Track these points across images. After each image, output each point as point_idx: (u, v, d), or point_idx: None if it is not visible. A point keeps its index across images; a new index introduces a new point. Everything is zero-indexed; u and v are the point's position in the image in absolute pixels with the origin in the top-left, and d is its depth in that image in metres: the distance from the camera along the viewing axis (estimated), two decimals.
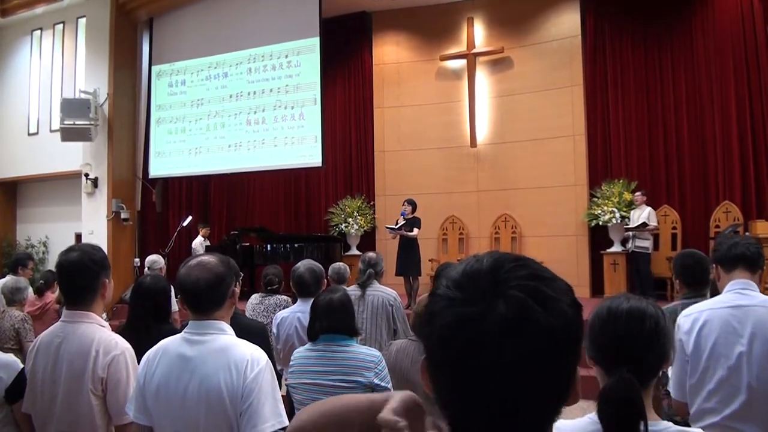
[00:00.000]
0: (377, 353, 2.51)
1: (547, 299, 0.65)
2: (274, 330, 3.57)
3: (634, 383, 1.12)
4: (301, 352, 2.58)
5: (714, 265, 2.29)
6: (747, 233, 6.63)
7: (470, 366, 0.64)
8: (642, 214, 7.61)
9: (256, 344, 1.82)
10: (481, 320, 0.63)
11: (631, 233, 7.70)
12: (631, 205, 7.98)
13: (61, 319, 2.14)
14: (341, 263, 4.30)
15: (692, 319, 2.15)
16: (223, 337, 1.79)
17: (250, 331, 2.72)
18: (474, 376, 0.64)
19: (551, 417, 0.68)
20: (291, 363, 2.58)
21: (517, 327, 0.63)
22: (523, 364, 0.63)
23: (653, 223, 7.60)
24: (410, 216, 7.56)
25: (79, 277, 2.09)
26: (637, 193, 7.83)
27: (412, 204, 7.63)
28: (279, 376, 3.81)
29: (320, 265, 3.69)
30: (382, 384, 2.42)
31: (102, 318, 2.17)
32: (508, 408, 0.64)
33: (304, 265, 3.58)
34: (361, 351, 2.50)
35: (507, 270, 0.66)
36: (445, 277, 0.70)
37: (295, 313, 3.49)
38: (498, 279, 0.66)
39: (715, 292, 2.30)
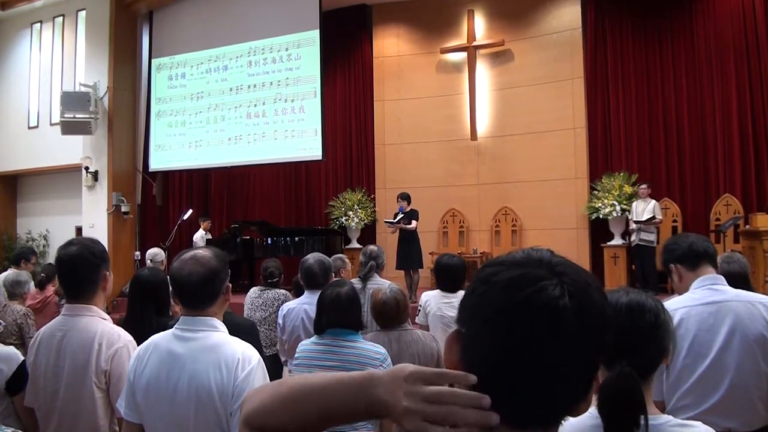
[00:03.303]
0: (383, 350, 2.48)
1: (596, 291, 0.71)
2: (280, 321, 3.56)
3: (635, 377, 1.12)
4: (307, 345, 2.56)
5: (673, 266, 2.20)
6: (747, 226, 6.63)
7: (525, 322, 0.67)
8: (648, 207, 7.51)
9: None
10: (548, 281, 0.68)
11: (635, 226, 7.55)
12: (631, 198, 7.96)
13: (62, 312, 2.14)
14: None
15: None
16: (215, 334, 1.74)
17: (240, 329, 2.71)
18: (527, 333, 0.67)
19: (569, 406, 0.70)
20: (296, 355, 2.57)
21: (577, 300, 0.67)
22: (576, 336, 0.66)
23: (659, 216, 7.52)
24: (407, 209, 7.55)
25: (79, 271, 2.08)
26: (642, 186, 7.73)
27: (407, 198, 7.61)
28: (282, 367, 3.83)
29: (329, 258, 3.69)
30: None
31: (103, 311, 2.18)
32: (545, 376, 0.67)
33: (313, 257, 3.58)
34: (367, 347, 2.48)
35: (559, 262, 0.73)
36: (486, 265, 0.75)
37: (302, 304, 3.48)
38: (553, 265, 0.72)
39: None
